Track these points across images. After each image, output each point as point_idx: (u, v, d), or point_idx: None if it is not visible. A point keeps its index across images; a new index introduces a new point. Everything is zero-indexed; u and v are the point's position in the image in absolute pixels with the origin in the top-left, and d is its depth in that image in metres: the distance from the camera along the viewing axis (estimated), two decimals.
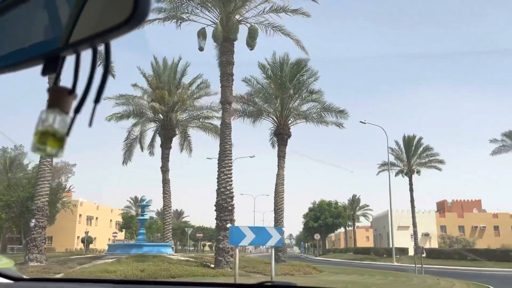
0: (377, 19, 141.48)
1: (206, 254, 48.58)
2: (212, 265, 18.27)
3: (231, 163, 19.20)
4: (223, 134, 19.28)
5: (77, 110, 0.70)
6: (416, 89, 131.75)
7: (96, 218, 70.34)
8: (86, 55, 0.72)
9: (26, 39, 0.76)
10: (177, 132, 31.06)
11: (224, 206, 18.33)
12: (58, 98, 0.69)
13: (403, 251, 45.90)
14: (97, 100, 0.70)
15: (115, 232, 55.57)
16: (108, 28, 0.66)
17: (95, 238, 62.99)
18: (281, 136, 26.72)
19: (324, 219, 58.85)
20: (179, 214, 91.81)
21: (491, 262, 37.24)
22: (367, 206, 74.61)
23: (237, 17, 19.13)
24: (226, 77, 19.19)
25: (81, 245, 57.95)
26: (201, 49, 19.54)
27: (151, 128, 31.79)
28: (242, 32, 19.26)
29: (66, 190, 50.21)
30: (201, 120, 31.33)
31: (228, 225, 16.05)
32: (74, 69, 0.72)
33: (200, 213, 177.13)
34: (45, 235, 21.07)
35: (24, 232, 45.71)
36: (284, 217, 25.56)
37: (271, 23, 20.00)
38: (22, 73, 0.81)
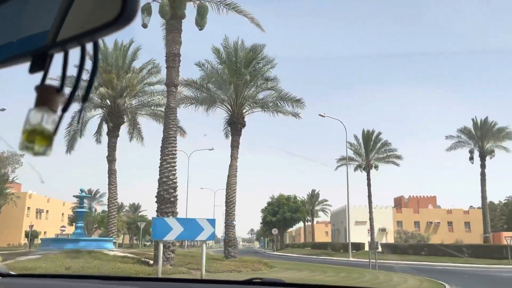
0: (346, 19, 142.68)
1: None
2: (152, 262, 16.72)
3: (175, 150, 17.65)
4: (168, 119, 17.69)
5: (65, 108, 0.70)
6: (378, 87, 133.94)
7: (47, 211, 67.12)
8: (75, 53, 0.72)
9: (14, 36, 0.76)
10: (125, 120, 29.09)
11: (166, 197, 16.77)
12: (46, 97, 0.69)
13: (359, 246, 45.79)
14: (85, 99, 0.73)
15: (63, 226, 52.56)
16: (96, 27, 0.66)
17: (45, 232, 59.81)
18: (234, 125, 25.35)
19: (283, 213, 58.13)
20: (136, 207, 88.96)
21: (444, 257, 37.65)
22: (326, 201, 74.71)
23: None
24: (172, 57, 17.59)
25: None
26: (144, 25, 17.98)
27: (98, 114, 29.63)
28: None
29: (9, 181, 47.04)
30: (152, 107, 29.50)
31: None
32: (62, 67, 0.72)
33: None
34: None
35: None
36: (236, 210, 24.28)
37: (223, 0, 18.56)
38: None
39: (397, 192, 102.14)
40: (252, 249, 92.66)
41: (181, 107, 26.46)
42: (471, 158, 41.68)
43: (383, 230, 55.00)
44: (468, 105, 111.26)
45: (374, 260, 23.56)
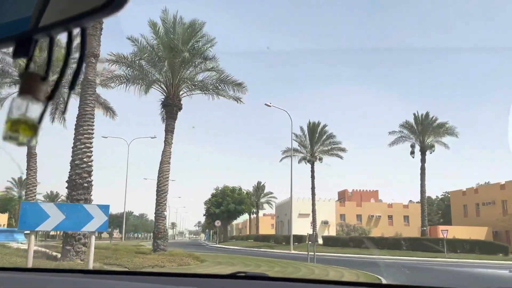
0: (300, 15, 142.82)
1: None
2: (60, 256, 14.59)
3: (92, 129, 15.53)
4: (84, 93, 15.54)
5: (50, 97, 0.67)
6: (328, 82, 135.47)
7: None
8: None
9: None
10: None
11: (78, 182, 14.66)
12: (31, 84, 0.66)
13: (302, 238, 45.23)
14: (71, 87, 0.68)
15: None
16: (84, 12, 0.61)
17: None
18: (170, 108, 23.37)
19: (227, 205, 56.63)
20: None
21: (383, 250, 37.88)
22: (272, 193, 74.10)
23: None
24: (93, 25, 15.39)
25: None
26: None
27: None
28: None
29: None
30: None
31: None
32: (47, 54, 0.68)
33: (114, 197, 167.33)
34: None
35: None
36: (167, 200, 22.39)
37: None
38: None
39: (342, 186, 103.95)
40: (197, 242, 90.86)
41: (113, 87, 24.22)
42: (412, 153, 42.20)
43: (325, 223, 54.99)
44: (414, 102, 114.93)
45: (313, 253, 22.67)
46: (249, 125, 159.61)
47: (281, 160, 47.62)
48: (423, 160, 41.43)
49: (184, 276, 2.67)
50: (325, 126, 46.14)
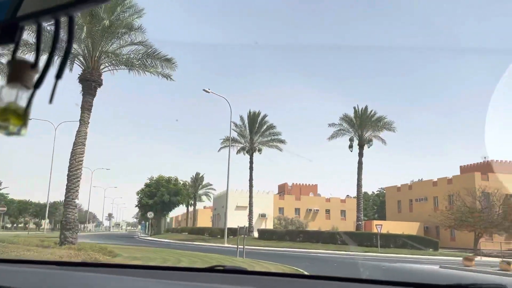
0: (249, 11, 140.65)
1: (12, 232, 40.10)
2: None
3: None
4: None
5: (37, 85, 0.66)
6: (274, 77, 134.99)
7: None
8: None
9: None
10: None
11: None
12: (20, 73, 0.65)
13: (237, 231, 43.76)
14: (58, 75, 0.67)
15: None
16: (73, 1, 0.61)
17: None
18: (88, 83, 20.71)
19: (161, 196, 53.83)
20: None
21: (318, 244, 37.37)
22: (211, 185, 72.08)
23: None
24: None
25: None
26: None
27: None
28: None
29: None
30: None
31: None
32: (36, 41, 0.68)
33: (33, 185, 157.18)
34: None
35: None
36: (79, 186, 19.81)
37: None
38: None
39: (283, 179, 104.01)
40: (132, 234, 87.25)
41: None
42: (351, 146, 41.96)
43: (263, 215, 53.96)
44: (355, 100, 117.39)
45: (242, 246, 21.21)
46: (192, 115, 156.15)
47: (219, 149, 45.89)
48: (360, 154, 41.30)
49: (161, 269, 2.64)
50: (265, 116, 44.92)
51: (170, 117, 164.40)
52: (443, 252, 33.45)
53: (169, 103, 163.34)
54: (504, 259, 20.75)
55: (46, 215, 49.47)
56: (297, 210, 63.30)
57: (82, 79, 20.94)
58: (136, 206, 59.46)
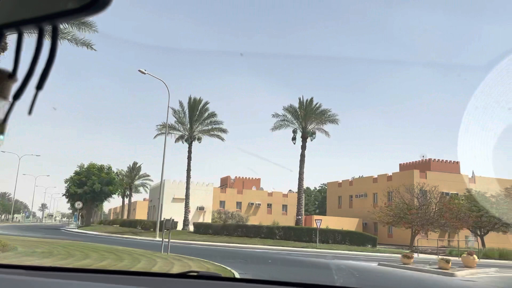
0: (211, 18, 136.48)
1: None
2: None
3: None
4: None
5: (17, 96, 0.63)
6: (230, 79, 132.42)
7: None
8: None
9: None
10: None
11: None
12: None
13: (173, 225, 41.13)
14: (39, 86, 0.64)
15: None
16: (57, 12, 0.58)
17: None
18: None
19: (91, 185, 49.83)
20: None
21: (256, 239, 35.76)
22: (148, 176, 68.44)
23: None
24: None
25: None
26: None
27: None
28: None
29: None
30: None
31: None
32: (16, 50, 0.64)
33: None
34: None
35: None
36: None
37: None
38: None
39: (227, 173, 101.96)
40: (63, 226, 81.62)
41: None
42: (294, 138, 40.63)
43: (201, 208, 51.56)
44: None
45: (167, 240, 19.08)
46: (133, 101, 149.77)
47: (155, 136, 42.97)
48: (303, 147, 40.07)
49: (133, 275, 2.56)
50: (207, 103, 42.45)
51: (109, 103, 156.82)
52: (380, 249, 32.94)
53: (107, 86, 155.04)
54: (442, 257, 20.00)
55: None
56: (239, 204, 61.63)
57: None
58: (63, 196, 54.86)
